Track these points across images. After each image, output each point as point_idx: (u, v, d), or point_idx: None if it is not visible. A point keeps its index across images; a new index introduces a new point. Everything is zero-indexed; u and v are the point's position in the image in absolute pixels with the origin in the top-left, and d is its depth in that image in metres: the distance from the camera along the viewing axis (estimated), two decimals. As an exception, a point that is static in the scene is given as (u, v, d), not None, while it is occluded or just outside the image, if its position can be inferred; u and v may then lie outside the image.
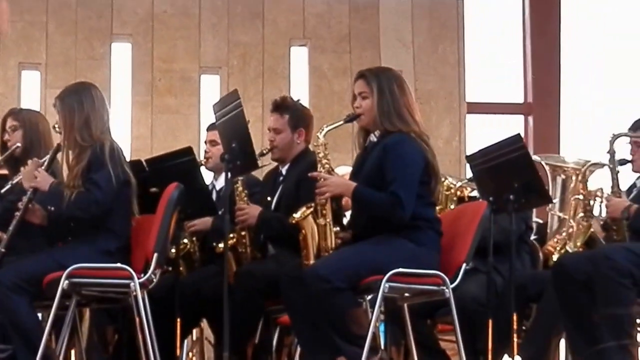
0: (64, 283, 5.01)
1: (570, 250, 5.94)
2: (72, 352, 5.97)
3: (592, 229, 5.93)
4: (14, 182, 5.61)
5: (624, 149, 5.83)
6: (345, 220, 5.67)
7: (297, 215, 5.31)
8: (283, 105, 6.14)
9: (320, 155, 5.28)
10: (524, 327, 5.93)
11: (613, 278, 5.06)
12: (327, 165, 5.28)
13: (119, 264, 5.15)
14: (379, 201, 5.03)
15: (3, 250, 5.26)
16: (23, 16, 8.66)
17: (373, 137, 5.22)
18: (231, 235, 5.85)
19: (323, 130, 5.29)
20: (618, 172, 5.67)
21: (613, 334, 5.06)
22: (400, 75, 5.33)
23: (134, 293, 5.09)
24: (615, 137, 5.69)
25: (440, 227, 5.13)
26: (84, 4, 8.74)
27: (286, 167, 6.10)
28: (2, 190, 5.69)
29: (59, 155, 5.55)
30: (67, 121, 5.36)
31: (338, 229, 5.38)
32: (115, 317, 5.99)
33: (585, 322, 5.17)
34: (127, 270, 5.11)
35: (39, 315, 5.43)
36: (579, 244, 5.99)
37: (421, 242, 5.04)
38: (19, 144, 5.89)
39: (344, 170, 6.33)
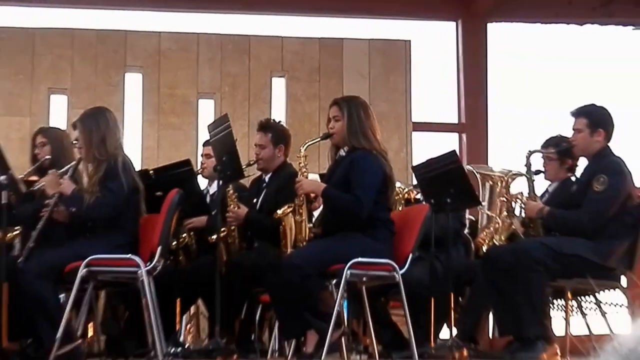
0: (82, 271, 4.98)
1: (496, 243, 5.95)
2: (90, 327, 5.92)
3: (513, 227, 5.92)
4: (36, 187, 5.55)
5: (539, 162, 5.85)
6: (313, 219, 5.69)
7: (279, 212, 5.40)
8: (267, 126, 6.16)
9: (301, 164, 5.31)
10: (460, 304, 5.93)
11: (530, 266, 5.09)
12: (305, 173, 5.30)
13: (129, 255, 5.11)
14: (343, 200, 5.06)
15: (32, 244, 5.18)
16: (52, 50, 8.58)
17: (342, 152, 5.25)
18: (223, 229, 5.83)
19: (305, 145, 5.33)
20: (534, 180, 5.71)
21: (530, 311, 5.05)
22: (366, 103, 5.37)
23: (141, 278, 5.05)
24: (531, 153, 5.75)
25: (393, 227, 5.14)
26: (103, 41, 8.67)
27: (269, 176, 6.12)
28: (28, 190, 5.63)
29: (80, 167, 5.49)
30: (86, 139, 5.33)
31: (312, 225, 5.43)
32: (126, 297, 5.91)
33: (508, 302, 5.17)
34: (135, 260, 5.07)
35: (61, 297, 5.34)
36: (503, 238, 6.00)
37: (377, 238, 5.04)
38: (47, 157, 5.81)
39: (313, 176, 6.31)
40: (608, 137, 5.37)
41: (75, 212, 5.26)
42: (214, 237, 5.54)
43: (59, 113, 8.56)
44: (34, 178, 5.80)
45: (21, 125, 8.35)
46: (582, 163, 5.64)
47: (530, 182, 5.69)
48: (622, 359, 0.84)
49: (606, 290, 5.58)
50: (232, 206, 5.82)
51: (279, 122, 6.36)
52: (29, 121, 8.34)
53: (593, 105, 5.47)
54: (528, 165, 5.69)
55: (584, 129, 5.36)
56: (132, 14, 9.26)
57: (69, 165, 5.49)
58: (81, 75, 8.59)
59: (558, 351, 5.13)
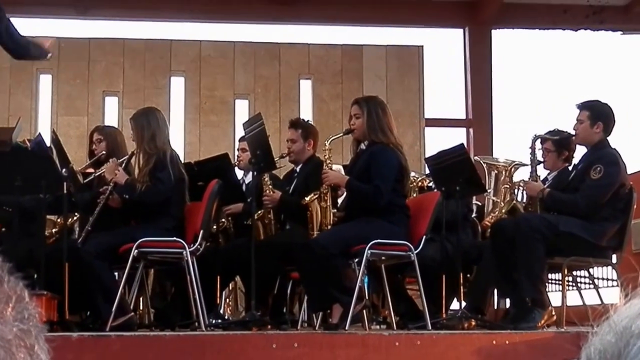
0: (134, 252, 4.99)
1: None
2: (140, 300, 5.94)
3: (514, 202, 5.90)
4: (97, 174, 5.58)
5: (539, 153, 5.79)
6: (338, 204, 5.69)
7: (307, 199, 5.42)
8: (297, 123, 6.16)
9: (326, 156, 5.33)
10: (468, 280, 5.92)
11: (528, 234, 5.06)
12: (330, 164, 5.31)
13: (175, 238, 5.12)
14: (365, 190, 5.05)
15: (89, 228, 5.21)
16: (106, 57, 8.61)
17: (363, 146, 5.25)
18: (260, 212, 5.87)
19: (329, 139, 5.35)
20: (537, 163, 5.62)
21: (526, 275, 5.03)
22: (383, 102, 5.38)
23: (186, 258, 5.06)
24: (536, 137, 5.67)
25: (408, 212, 5.13)
26: (150, 49, 8.69)
27: (299, 167, 6.09)
28: (86, 180, 5.65)
29: (133, 159, 5.51)
30: (138, 136, 5.35)
31: (336, 210, 5.43)
32: (172, 275, 5.92)
33: (508, 268, 5.16)
34: (180, 242, 5.08)
35: (115, 275, 5.38)
36: (504, 211, 5.98)
37: (394, 222, 5.05)
38: (103, 152, 5.84)
39: (337, 167, 6.30)
40: (607, 130, 5.32)
41: (128, 199, 5.29)
42: (249, 221, 5.54)
43: (112, 113, 8.59)
44: (91, 170, 5.83)
45: (79, 124, 8.39)
46: (578, 155, 5.61)
47: (534, 165, 5.62)
48: (617, 336, 0.83)
49: (599, 267, 5.55)
50: (267, 191, 5.83)
51: (307, 120, 6.37)
52: (86, 120, 8.37)
53: (597, 100, 5.43)
54: (532, 148, 5.63)
55: (585, 120, 5.32)
56: (176, 25, 9.29)
57: (124, 157, 5.52)
58: (131, 79, 8.61)
59: (553, 313, 5.10)
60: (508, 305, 5.76)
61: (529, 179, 5.61)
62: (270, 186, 5.88)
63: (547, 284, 5.55)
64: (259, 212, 5.91)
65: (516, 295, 5.12)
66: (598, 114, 5.32)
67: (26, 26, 8.99)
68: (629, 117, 8.63)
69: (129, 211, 5.40)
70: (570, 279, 5.86)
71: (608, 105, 5.39)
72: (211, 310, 5.61)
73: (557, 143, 5.74)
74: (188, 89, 8.72)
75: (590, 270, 5.77)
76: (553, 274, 5.95)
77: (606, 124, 5.31)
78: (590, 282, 5.85)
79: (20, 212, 5.24)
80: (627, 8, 9.04)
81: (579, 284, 6.00)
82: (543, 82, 9.46)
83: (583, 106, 5.38)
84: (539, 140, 5.71)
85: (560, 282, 5.58)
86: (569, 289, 5.72)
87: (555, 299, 5.74)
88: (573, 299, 5.89)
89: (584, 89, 9.08)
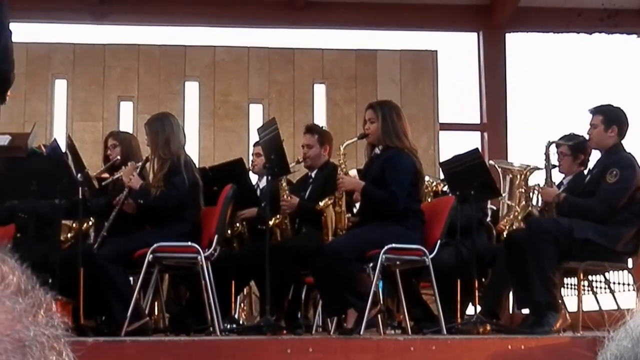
0: (149, 257, 5.00)
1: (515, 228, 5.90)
2: (155, 305, 5.95)
3: (530, 208, 5.88)
4: (113, 178, 5.59)
5: (554, 157, 5.79)
6: (355, 210, 5.68)
7: (321, 204, 5.45)
8: (314, 128, 6.20)
9: (341, 161, 5.33)
10: (483, 285, 5.90)
11: (540, 236, 5.06)
12: (344, 169, 5.31)
13: (189, 243, 5.12)
14: (380, 196, 5.04)
15: (105, 233, 5.22)
16: (121, 63, 8.64)
17: (377, 150, 5.24)
18: (277, 217, 5.88)
19: (344, 144, 5.36)
20: (551, 168, 5.62)
21: (539, 278, 5.02)
22: (398, 106, 5.37)
23: (201, 263, 5.06)
24: (550, 143, 5.68)
25: (423, 217, 5.12)
26: (165, 54, 8.72)
27: (314, 172, 6.08)
28: (103, 183, 5.68)
29: (147, 164, 5.52)
30: (153, 141, 5.36)
31: (350, 215, 5.42)
32: (187, 280, 5.93)
33: (522, 274, 5.15)
34: (195, 247, 5.09)
35: (130, 279, 5.38)
36: (520, 218, 5.96)
37: (409, 226, 5.04)
38: (118, 157, 5.85)
39: (352, 172, 6.29)
40: (621, 134, 5.31)
41: (142, 204, 5.30)
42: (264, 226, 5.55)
43: (127, 118, 8.61)
44: (106, 175, 5.85)
45: (94, 129, 8.42)
46: (593, 159, 5.59)
47: (548, 170, 5.61)
48: (634, 342, 0.82)
49: (614, 271, 5.52)
50: (285, 196, 5.83)
51: (323, 126, 6.38)
52: (101, 126, 8.40)
53: (610, 104, 5.42)
54: (547, 154, 5.63)
55: (599, 125, 5.31)
56: (190, 30, 9.31)
57: (139, 162, 5.54)
58: (146, 85, 8.63)
59: (567, 317, 5.09)
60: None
61: (544, 185, 5.60)
62: (287, 190, 5.89)
63: (562, 288, 5.53)
64: (276, 217, 5.90)
65: (532, 301, 5.11)
66: (612, 118, 5.30)
67: (42, 32, 9.05)
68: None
69: (144, 216, 5.42)
70: (586, 283, 5.83)
71: (620, 109, 5.38)
72: (226, 315, 5.61)
73: (573, 147, 5.72)
74: (202, 94, 8.74)
75: (606, 274, 5.74)
76: (569, 279, 5.92)
77: (620, 127, 5.30)
78: (606, 286, 5.82)
79: (36, 218, 5.27)
80: (641, 11, 9.00)
81: (594, 289, 5.97)
82: (557, 85, 9.43)
83: (596, 111, 5.36)
84: (553, 146, 5.70)
85: (576, 287, 5.56)
86: (584, 294, 5.70)
87: (571, 303, 5.72)
88: (589, 303, 5.87)
89: (599, 92, 9.04)
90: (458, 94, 9.49)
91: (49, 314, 0.81)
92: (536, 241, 5.04)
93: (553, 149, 5.74)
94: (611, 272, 5.77)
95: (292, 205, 5.82)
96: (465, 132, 9.30)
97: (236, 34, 9.28)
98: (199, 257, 5.04)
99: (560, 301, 5.25)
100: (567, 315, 5.10)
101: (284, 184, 5.86)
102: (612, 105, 5.41)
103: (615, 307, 5.52)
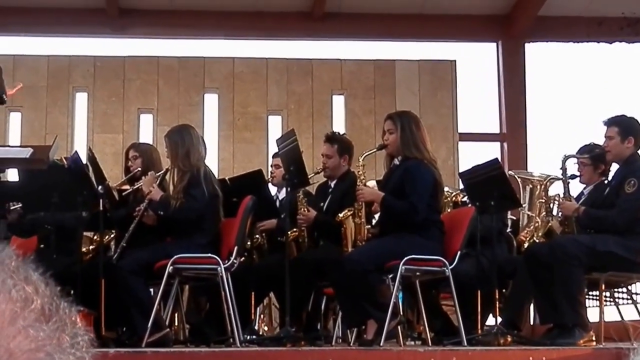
0: (169, 268, 5.02)
1: (536, 240, 5.87)
2: (176, 316, 5.95)
3: (550, 224, 5.85)
4: (135, 187, 5.62)
5: (575, 167, 5.76)
6: (374, 221, 5.66)
7: (341, 215, 5.43)
8: (333, 138, 6.13)
9: (360, 172, 5.30)
10: (504, 296, 5.87)
11: (566, 260, 5.01)
12: (363, 180, 5.29)
13: (209, 254, 5.13)
14: (400, 207, 5.03)
15: (124, 244, 5.24)
16: (140, 75, 8.69)
17: (396, 161, 5.22)
18: (294, 230, 5.86)
19: (363, 155, 5.33)
20: (569, 182, 5.60)
21: (567, 301, 4.99)
22: (417, 117, 5.36)
23: (221, 274, 5.07)
24: (566, 157, 5.64)
25: (443, 227, 5.10)
26: (184, 67, 8.76)
27: (334, 182, 6.06)
28: (123, 194, 5.70)
29: (167, 176, 5.53)
30: (172, 153, 5.37)
31: (370, 226, 5.41)
32: (207, 291, 5.93)
33: (547, 293, 5.11)
34: (215, 259, 5.09)
35: (151, 291, 5.40)
36: (540, 234, 5.92)
37: (429, 237, 5.02)
38: (139, 169, 5.87)
39: (371, 183, 6.28)
40: (637, 144, 5.29)
41: (162, 216, 5.31)
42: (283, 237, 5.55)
43: (147, 130, 8.66)
44: (126, 187, 5.87)
45: (114, 141, 8.46)
46: (614, 168, 5.56)
47: (566, 184, 5.60)
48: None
49: (637, 282, 5.48)
50: (302, 209, 5.82)
51: (343, 134, 6.34)
52: (121, 138, 8.44)
53: (624, 115, 5.40)
54: (564, 168, 5.62)
55: (615, 136, 5.29)
56: (209, 42, 9.36)
57: (159, 173, 5.56)
58: (166, 97, 8.67)
59: (593, 337, 5.05)
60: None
61: (563, 199, 5.58)
62: (305, 203, 5.88)
63: (585, 300, 5.49)
64: (294, 231, 5.89)
65: (558, 319, 5.08)
66: (628, 129, 5.29)
67: (63, 45, 9.13)
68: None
69: (164, 227, 5.43)
70: (608, 294, 5.78)
71: (635, 119, 5.37)
72: (246, 326, 5.61)
73: (593, 157, 5.69)
74: (221, 106, 8.77)
75: (629, 286, 5.70)
76: (591, 290, 5.88)
77: (636, 137, 5.28)
78: (629, 297, 5.77)
79: (58, 230, 5.30)
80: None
81: (616, 300, 5.93)
82: (578, 95, 9.39)
83: (610, 122, 5.35)
84: (570, 158, 5.68)
85: (598, 298, 5.52)
86: (606, 305, 5.65)
87: (593, 314, 5.68)
88: (611, 314, 5.82)
89: (619, 102, 9.00)
90: (477, 104, 9.47)
91: (73, 333, 0.81)
92: (562, 265, 5.01)
93: (570, 161, 5.71)
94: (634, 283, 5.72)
95: (309, 219, 5.81)
96: (485, 142, 9.28)
97: (255, 46, 9.32)
98: (219, 269, 5.05)
99: (586, 319, 5.21)
100: (593, 335, 5.06)
101: (302, 197, 5.85)
102: (626, 116, 5.39)
103: (638, 318, 5.48)
